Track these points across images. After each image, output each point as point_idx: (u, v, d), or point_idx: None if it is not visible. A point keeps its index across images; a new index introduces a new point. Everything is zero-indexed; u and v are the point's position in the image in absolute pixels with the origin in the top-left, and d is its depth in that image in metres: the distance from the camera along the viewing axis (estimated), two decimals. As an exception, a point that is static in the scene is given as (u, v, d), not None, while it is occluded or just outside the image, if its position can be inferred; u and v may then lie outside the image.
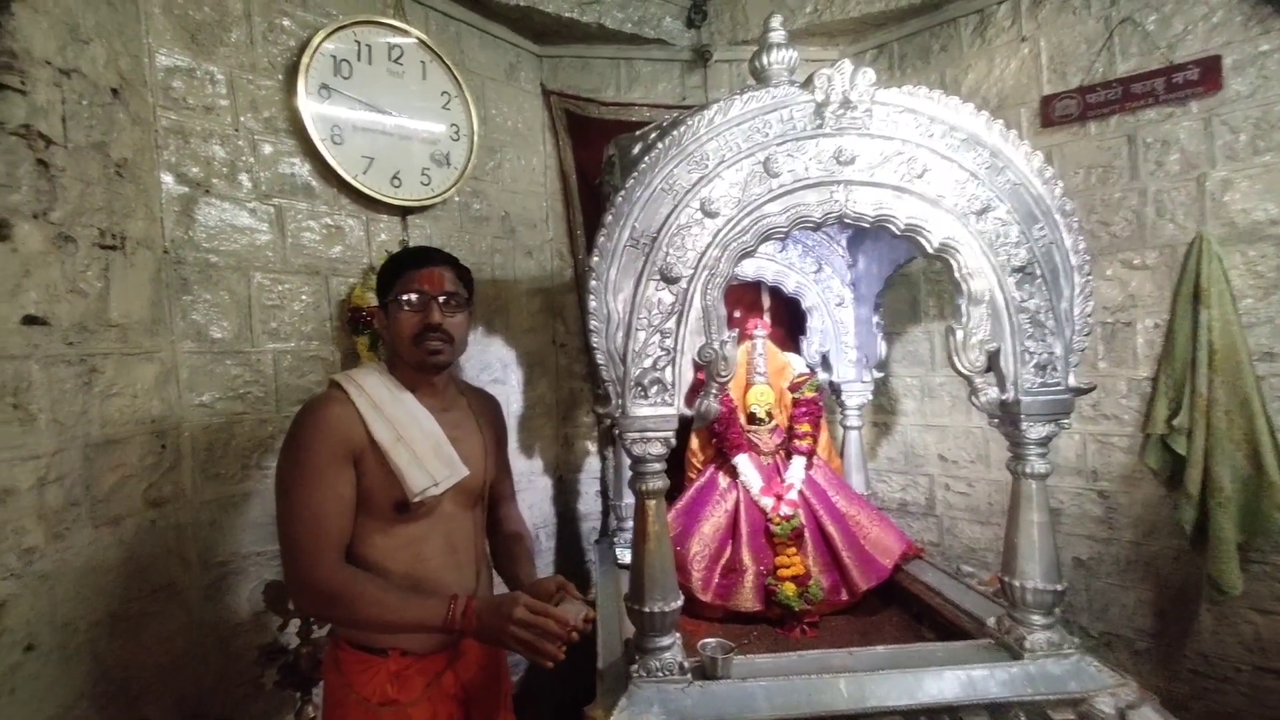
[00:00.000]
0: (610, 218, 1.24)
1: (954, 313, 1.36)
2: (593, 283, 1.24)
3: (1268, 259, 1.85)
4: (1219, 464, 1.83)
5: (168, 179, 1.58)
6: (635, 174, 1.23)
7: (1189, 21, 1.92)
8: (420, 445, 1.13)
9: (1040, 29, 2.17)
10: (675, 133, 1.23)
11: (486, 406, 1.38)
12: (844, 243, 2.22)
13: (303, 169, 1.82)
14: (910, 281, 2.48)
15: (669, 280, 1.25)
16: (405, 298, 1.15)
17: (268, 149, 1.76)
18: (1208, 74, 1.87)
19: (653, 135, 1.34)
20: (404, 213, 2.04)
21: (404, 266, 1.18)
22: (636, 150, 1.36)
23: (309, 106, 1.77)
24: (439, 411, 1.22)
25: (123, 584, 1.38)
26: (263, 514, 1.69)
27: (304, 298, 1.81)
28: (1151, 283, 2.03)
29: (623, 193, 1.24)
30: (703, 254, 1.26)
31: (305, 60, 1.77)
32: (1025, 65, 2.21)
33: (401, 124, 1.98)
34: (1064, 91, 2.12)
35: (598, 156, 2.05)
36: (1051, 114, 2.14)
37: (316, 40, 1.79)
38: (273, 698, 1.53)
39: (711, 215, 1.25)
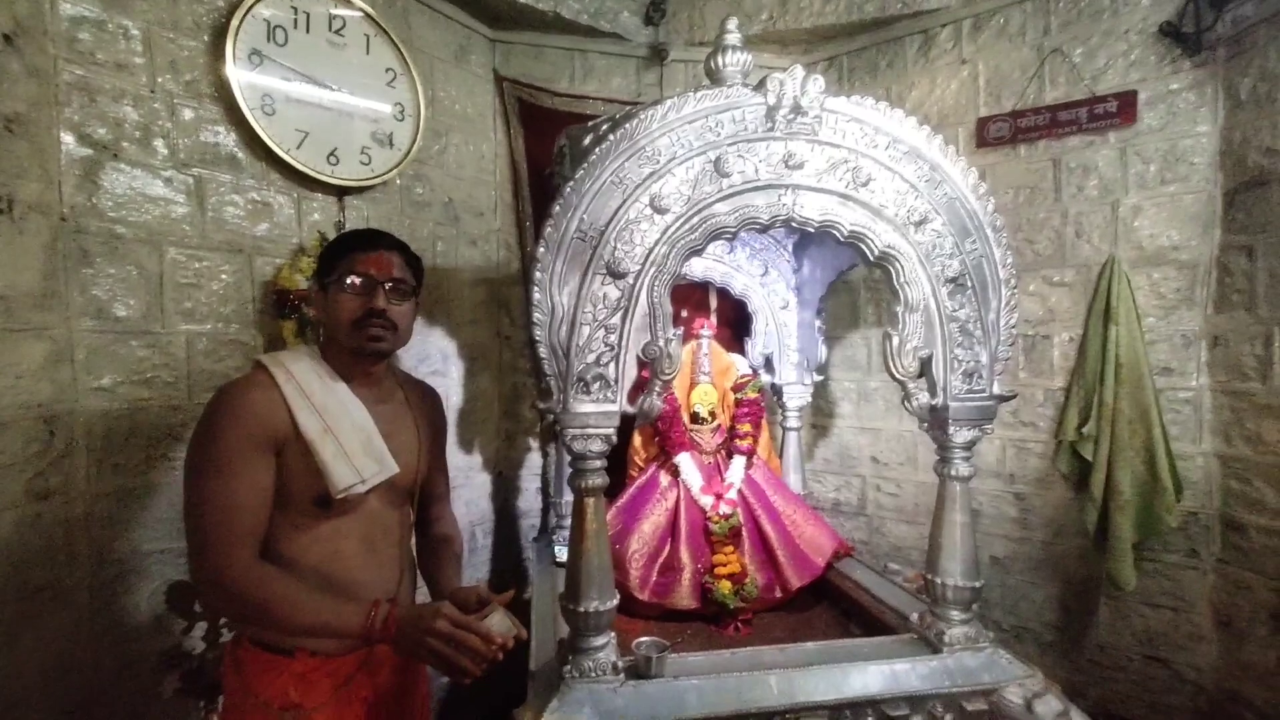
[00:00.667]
0: (558, 209, 1.21)
1: (891, 319, 1.40)
2: (537, 274, 1.20)
3: (1169, 281, 2.01)
4: (1120, 469, 1.98)
5: (69, 139, 1.44)
6: (585, 165, 1.21)
7: (1110, 56, 2.06)
8: (349, 438, 1.07)
9: (979, 53, 2.28)
10: (627, 125, 1.22)
11: (425, 400, 1.32)
12: (790, 247, 2.27)
13: (228, 139, 1.70)
14: (851, 288, 2.56)
15: (616, 275, 1.23)
16: (349, 280, 1.09)
17: (188, 114, 1.63)
18: (1125, 107, 2.02)
19: (604, 127, 1.32)
20: (340, 193, 1.93)
21: (350, 248, 1.12)
22: (587, 141, 1.33)
23: (237, 73, 1.65)
24: (373, 403, 1.15)
25: (-2, 584, 1.24)
26: (168, 509, 1.56)
27: (224, 277, 1.68)
28: (1069, 299, 2.17)
29: (572, 184, 1.21)
30: (651, 250, 1.24)
31: (235, 22, 1.64)
32: (964, 86, 2.32)
33: (341, 99, 1.88)
34: (998, 114, 2.24)
35: (549, 147, 1.99)
36: (986, 135, 2.25)
37: (248, 2, 1.66)
38: (172, 706, 1.42)
39: (661, 211, 1.24)
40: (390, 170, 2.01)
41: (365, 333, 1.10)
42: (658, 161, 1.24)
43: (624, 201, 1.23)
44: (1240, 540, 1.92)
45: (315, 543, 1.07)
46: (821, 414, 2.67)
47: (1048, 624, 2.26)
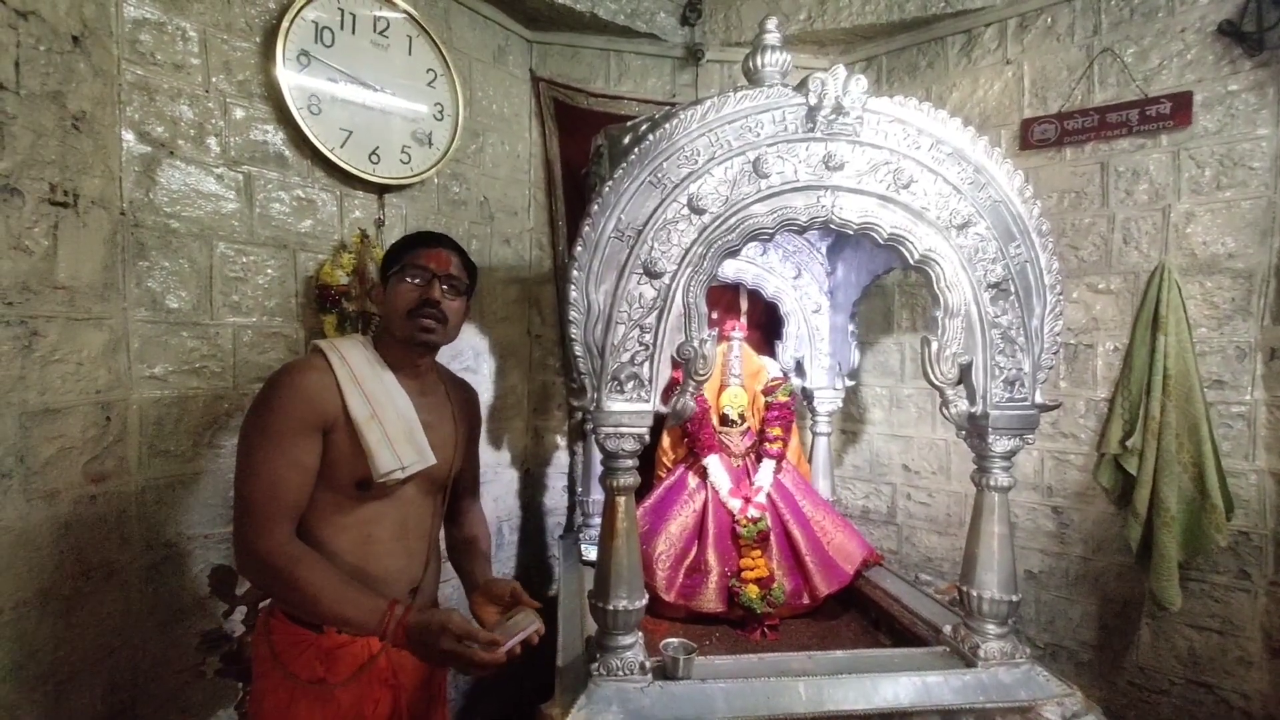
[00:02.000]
0: (596, 208, 1.22)
1: (929, 324, 1.38)
2: (574, 273, 1.21)
3: (1223, 291, 1.93)
4: (1166, 485, 1.91)
5: (129, 137, 1.50)
6: (624, 165, 1.21)
7: (1165, 57, 1.99)
8: (393, 426, 1.10)
9: (1024, 53, 2.22)
10: (667, 126, 1.22)
11: (464, 397, 1.36)
12: (824, 250, 2.24)
13: (276, 137, 1.75)
14: (885, 292, 2.52)
15: (652, 275, 1.23)
16: (409, 272, 1.15)
17: (239, 113, 1.68)
18: (1179, 109, 1.95)
19: (644, 127, 1.33)
20: (381, 190, 1.97)
21: (413, 244, 1.19)
22: (626, 141, 1.34)
23: (286, 73, 1.70)
24: (417, 395, 1.20)
25: (55, 562, 1.30)
26: (213, 495, 1.62)
27: (270, 271, 1.74)
28: (1114, 307, 2.10)
29: (610, 183, 1.22)
30: (688, 250, 1.24)
31: (285, 24, 1.69)
32: (1008, 87, 2.26)
33: (384, 99, 1.92)
34: (1043, 116, 2.18)
35: (584, 147, 2.02)
36: (1030, 137, 2.19)
37: (298, 4, 1.71)
38: (213, 687, 1.46)
39: (699, 212, 1.24)
40: (429, 169, 2.04)
41: (418, 322, 1.14)
42: (696, 162, 1.24)
43: (662, 201, 1.23)
44: (1296, 563, 1.84)
45: (351, 525, 1.10)
46: (852, 419, 2.63)
47: (1085, 642, 2.18)
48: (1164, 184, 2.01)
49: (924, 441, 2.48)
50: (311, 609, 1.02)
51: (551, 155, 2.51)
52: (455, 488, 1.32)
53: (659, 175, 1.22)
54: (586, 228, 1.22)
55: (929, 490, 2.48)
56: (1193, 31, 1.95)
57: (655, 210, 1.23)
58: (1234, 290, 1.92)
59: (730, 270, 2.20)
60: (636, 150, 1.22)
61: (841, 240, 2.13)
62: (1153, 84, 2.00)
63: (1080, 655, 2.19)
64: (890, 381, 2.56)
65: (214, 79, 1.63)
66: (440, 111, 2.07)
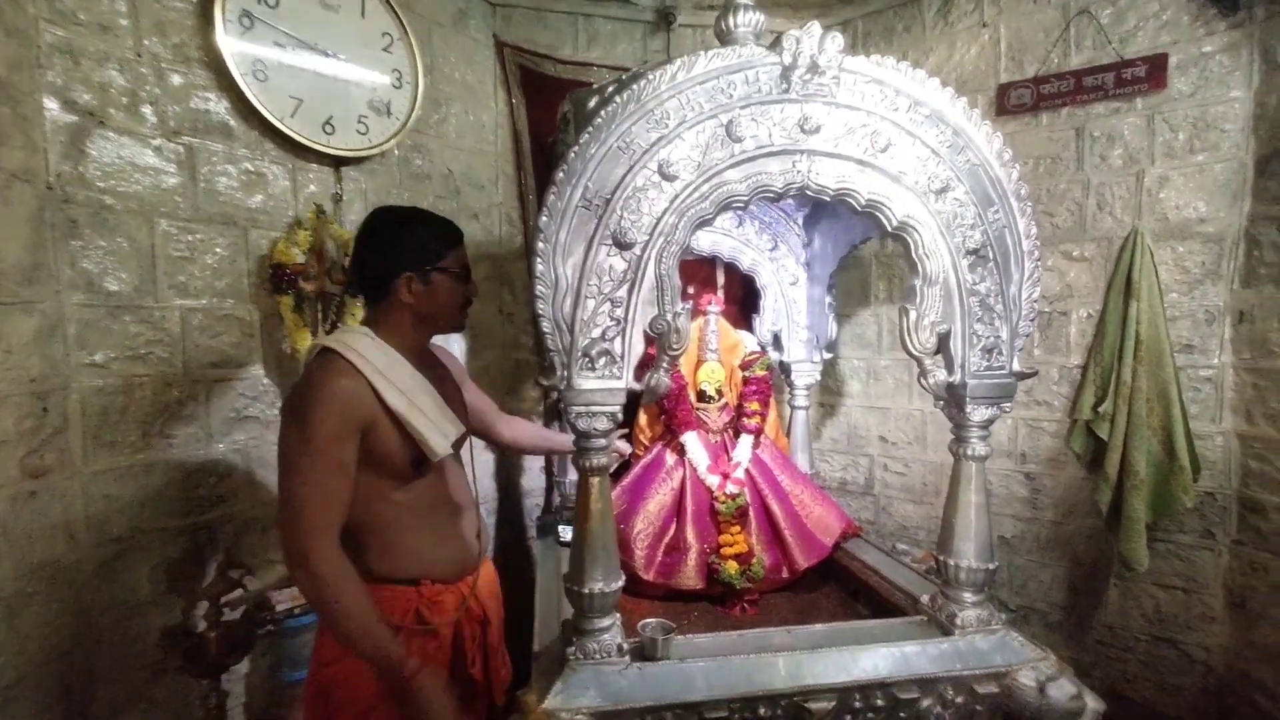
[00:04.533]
0: (562, 175, 1.15)
1: (907, 293, 1.35)
2: (540, 245, 1.15)
3: (1194, 255, 1.94)
4: (1136, 448, 1.93)
5: (52, 104, 1.38)
6: (590, 129, 1.15)
7: (1141, 18, 1.96)
8: (428, 408, 1.16)
9: (1001, 15, 2.18)
10: (634, 87, 1.15)
11: (449, 357, 1.44)
12: (800, 220, 2.20)
13: (219, 106, 1.63)
14: (862, 264, 2.49)
15: (622, 246, 1.18)
16: (456, 276, 1.21)
17: (177, 80, 1.56)
18: (1154, 71, 1.93)
19: (610, 89, 1.26)
20: (337, 163, 1.87)
21: (454, 238, 1.22)
22: (592, 104, 1.27)
23: (227, 38, 1.58)
24: (424, 370, 1.23)
25: (-5, 563, 1.22)
26: (169, 486, 1.54)
27: (219, 250, 1.64)
28: (1088, 274, 2.10)
29: (576, 149, 1.15)
30: (659, 219, 1.19)
31: (222, -19, 1.57)
32: (985, 51, 2.22)
33: (336, 65, 1.80)
34: (1020, 80, 2.14)
35: (552, 117, 1.92)
36: (1006, 102, 2.16)
37: (235, -41, 1.59)
38: (175, 684, 1.41)
39: (670, 179, 1.18)
40: (389, 140, 1.94)
41: (464, 313, 1.26)
42: (666, 125, 1.17)
43: (631, 168, 1.17)
44: (1258, 521, 1.88)
45: (418, 496, 1.19)
46: (830, 392, 2.63)
47: (1055, 604, 2.24)
48: (1138, 148, 2.00)
49: (901, 412, 2.49)
50: (338, 628, 1.06)
51: (519, 126, 2.41)
52: (487, 420, 1.54)
53: (627, 140, 1.16)
54: (552, 197, 1.15)
55: (905, 460, 2.49)
56: (1169, -9, 1.92)
57: (624, 177, 1.17)
58: (1204, 254, 1.93)
59: (706, 243, 2.15)
60: (603, 114, 1.15)
61: (818, 210, 2.09)
62: (1129, 46, 1.98)
63: (1050, 616, 2.24)
64: (867, 353, 2.55)
65: (146, 42, 1.51)
66: (399, 79, 1.96)
